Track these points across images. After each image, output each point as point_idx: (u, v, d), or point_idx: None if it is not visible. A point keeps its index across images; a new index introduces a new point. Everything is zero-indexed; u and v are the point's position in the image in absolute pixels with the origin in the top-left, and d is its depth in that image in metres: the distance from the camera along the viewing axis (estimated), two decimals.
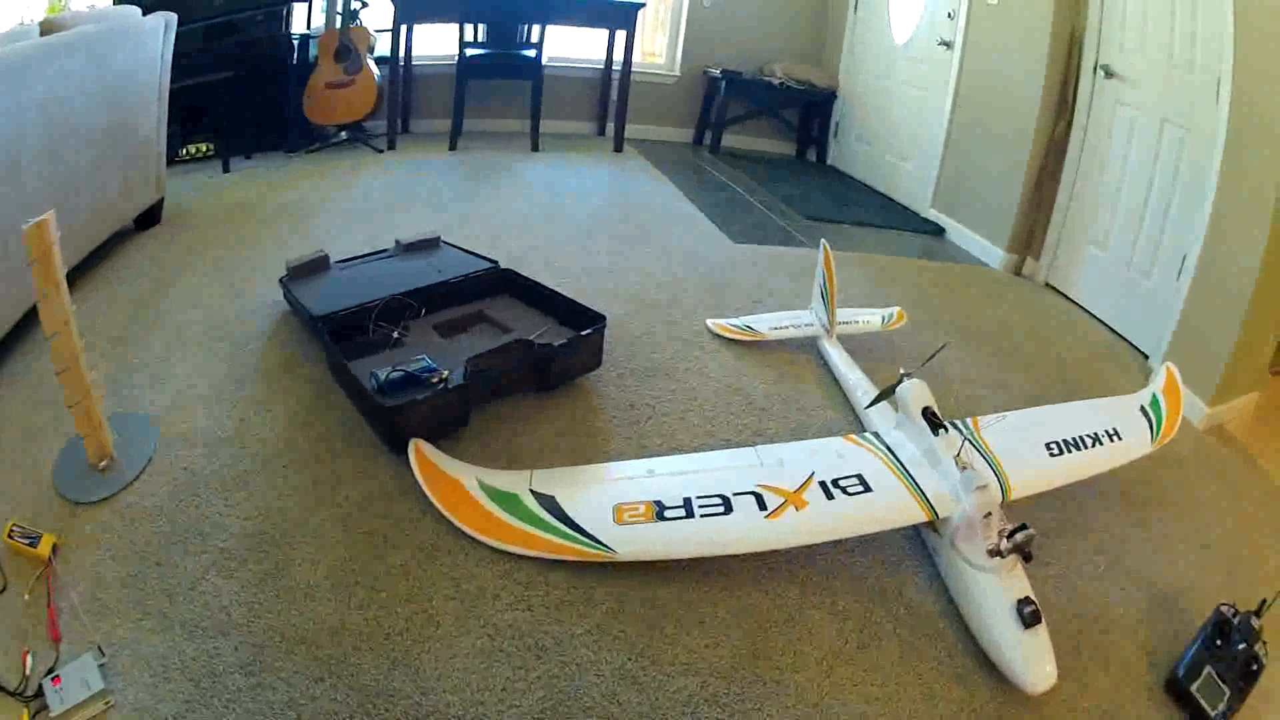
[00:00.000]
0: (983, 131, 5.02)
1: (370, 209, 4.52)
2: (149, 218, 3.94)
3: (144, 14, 3.69)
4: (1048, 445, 2.58)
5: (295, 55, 5.52)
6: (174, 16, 3.87)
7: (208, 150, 5.17)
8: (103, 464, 2.22)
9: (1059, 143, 4.46)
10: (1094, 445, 2.62)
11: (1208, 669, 2.07)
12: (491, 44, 5.92)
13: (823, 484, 2.32)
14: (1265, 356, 3.50)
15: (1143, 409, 2.86)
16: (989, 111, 4.95)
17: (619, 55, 6.30)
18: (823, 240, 3.44)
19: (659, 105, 6.93)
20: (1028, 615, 1.98)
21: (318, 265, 3.31)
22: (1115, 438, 2.68)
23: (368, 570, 2.04)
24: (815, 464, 2.42)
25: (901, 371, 2.68)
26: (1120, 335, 4.06)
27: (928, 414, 2.51)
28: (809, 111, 6.93)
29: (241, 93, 5.19)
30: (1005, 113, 4.76)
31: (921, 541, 2.43)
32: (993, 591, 2.08)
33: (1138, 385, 3.11)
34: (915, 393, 2.59)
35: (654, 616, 2.02)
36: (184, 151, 5.07)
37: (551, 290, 3.18)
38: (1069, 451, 2.58)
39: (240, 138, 5.32)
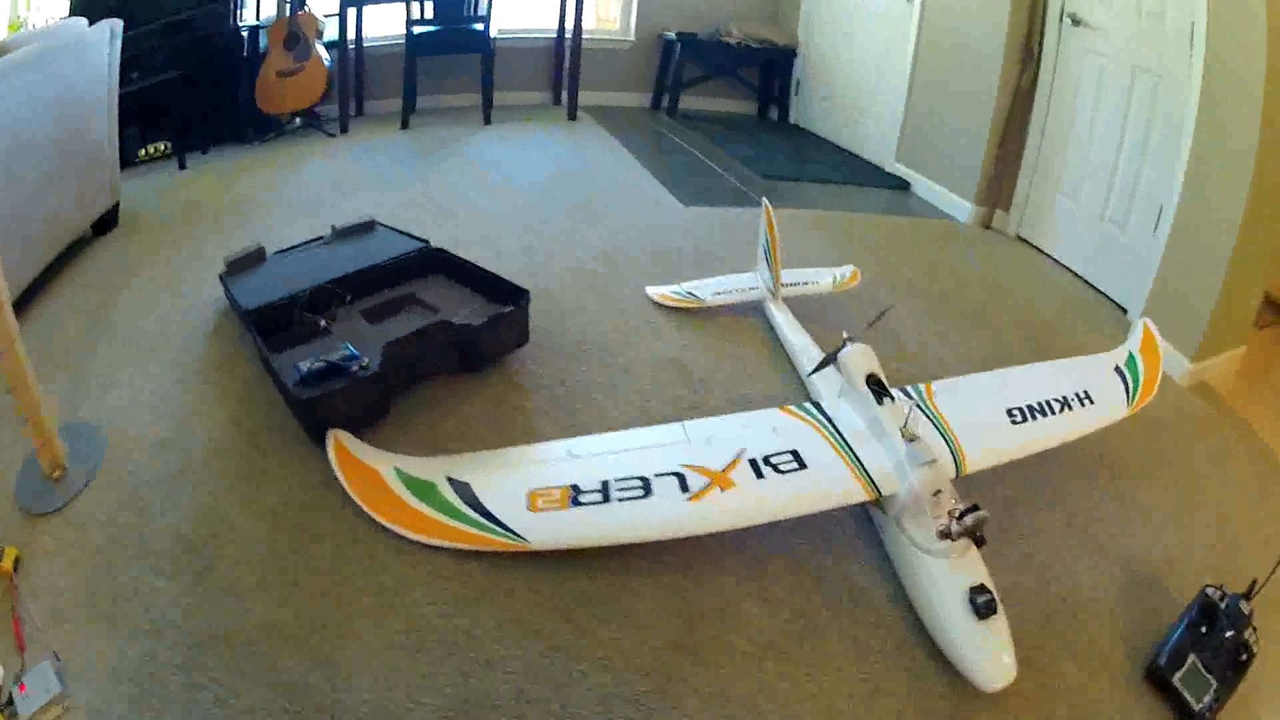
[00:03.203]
0: (946, 83, 4.87)
1: (318, 196, 4.41)
2: (106, 223, 3.89)
3: (90, 24, 3.63)
4: (1009, 412, 2.37)
5: (246, 47, 5.38)
6: (119, 23, 3.80)
7: (166, 150, 5.04)
8: (55, 475, 2.22)
9: (1025, 92, 4.30)
10: (1062, 410, 2.41)
11: (1192, 658, 1.89)
12: (439, 19, 5.72)
13: (753, 461, 2.12)
14: (1249, 310, 3.35)
15: (1118, 369, 2.65)
16: (952, 62, 4.79)
17: (572, 23, 6.12)
18: (764, 198, 3.24)
19: (615, 71, 6.73)
20: (981, 605, 1.79)
21: (254, 258, 3.23)
22: (1086, 401, 2.46)
23: (291, 566, 2.00)
24: (746, 440, 2.21)
25: (845, 335, 2.47)
26: (1096, 289, 3.91)
27: (872, 381, 2.30)
28: (769, 70, 6.74)
29: (195, 89, 5.08)
30: (968, 63, 4.59)
31: (870, 520, 2.22)
32: (943, 578, 1.89)
33: (1115, 342, 2.90)
34: (858, 358, 2.38)
35: (570, 608, 1.93)
36: (142, 153, 4.94)
37: (479, 268, 3.06)
38: (1033, 418, 2.36)
39: (196, 134, 5.21)
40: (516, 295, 2.83)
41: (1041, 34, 4.17)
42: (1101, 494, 2.50)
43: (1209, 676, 1.85)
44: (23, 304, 2.97)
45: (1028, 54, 4.28)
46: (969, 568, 1.88)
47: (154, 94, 4.77)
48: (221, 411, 2.55)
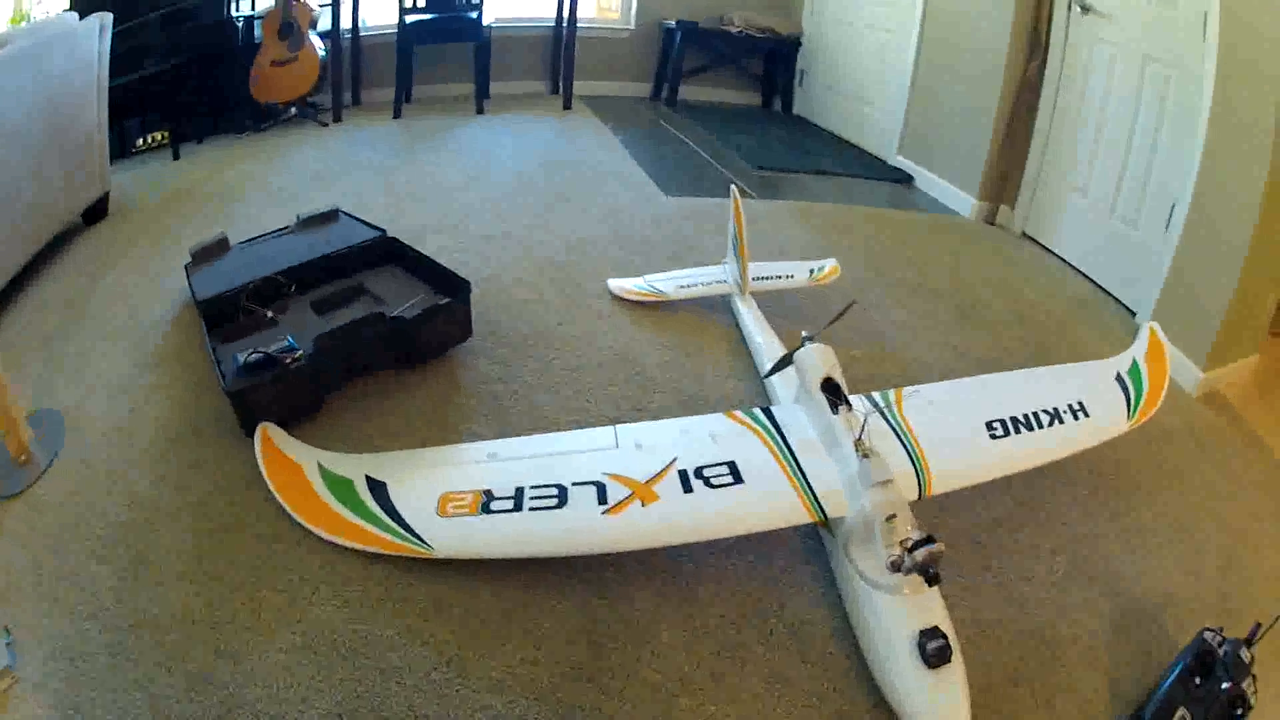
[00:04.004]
0: (950, 73, 4.71)
1: (302, 185, 4.36)
2: (95, 212, 3.93)
3: (82, 17, 3.69)
4: (989, 424, 2.14)
5: (240, 37, 5.43)
6: (110, 17, 3.86)
7: (164, 138, 5.12)
8: (22, 459, 2.29)
9: (1032, 83, 4.13)
10: (1051, 424, 2.17)
11: (1182, 711, 1.69)
12: (432, 8, 5.69)
13: (682, 473, 1.94)
14: (1265, 315, 3.14)
15: (1119, 377, 2.42)
16: (956, 52, 4.64)
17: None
18: (732, 186, 3.09)
19: (615, 60, 6.64)
20: (931, 652, 1.57)
21: (218, 248, 3.20)
22: (1080, 414, 2.22)
23: (211, 557, 2.00)
24: (680, 448, 2.02)
25: (803, 334, 2.27)
26: (1104, 290, 3.71)
27: (829, 386, 2.08)
28: (772, 60, 6.62)
29: (191, 79, 5.16)
30: (972, 52, 4.45)
31: (820, 541, 2.02)
32: (890, 616, 1.67)
33: (1121, 346, 2.69)
34: (814, 360, 2.16)
35: (472, 622, 1.84)
36: (140, 142, 5.03)
37: (429, 258, 2.99)
38: (1016, 432, 2.13)
39: (192, 123, 5.28)
40: (459, 287, 2.74)
41: (1049, 22, 4.02)
42: (1095, 514, 2.29)
43: None
44: (9, 293, 3.06)
45: (1035, 43, 4.12)
46: (922, 607, 1.66)
47: (151, 84, 4.88)
48: (172, 401, 2.54)
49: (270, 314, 2.75)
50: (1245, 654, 1.71)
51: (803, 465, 1.93)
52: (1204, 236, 3.05)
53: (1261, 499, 2.51)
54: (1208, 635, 1.76)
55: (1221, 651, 1.72)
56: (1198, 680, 1.69)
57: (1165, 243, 3.23)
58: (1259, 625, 1.75)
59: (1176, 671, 1.73)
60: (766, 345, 2.65)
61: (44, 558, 1.99)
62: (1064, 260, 3.99)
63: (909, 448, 2.01)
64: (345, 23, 5.61)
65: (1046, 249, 4.11)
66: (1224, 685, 1.67)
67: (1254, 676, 1.70)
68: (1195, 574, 2.16)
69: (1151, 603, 2.04)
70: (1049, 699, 1.77)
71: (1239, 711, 1.66)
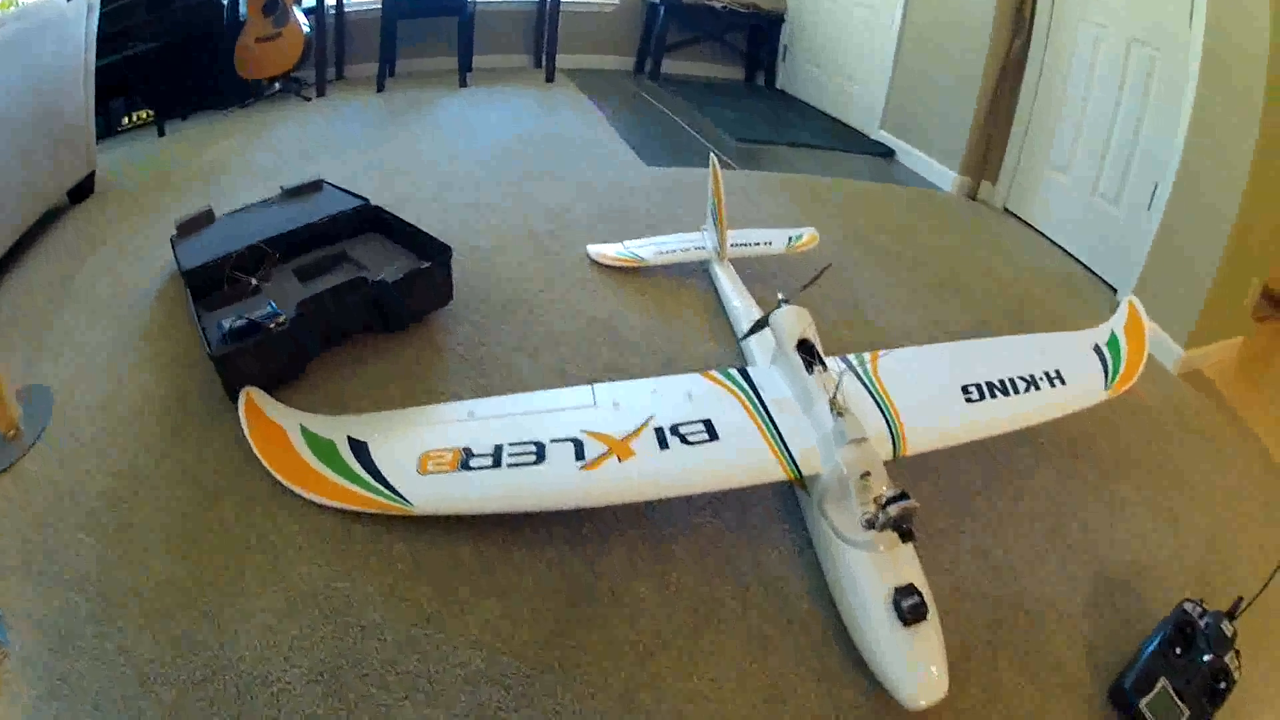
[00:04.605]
0: (933, 49, 4.70)
1: (285, 159, 4.33)
2: (82, 190, 3.90)
3: None
4: (965, 389, 2.13)
5: (226, 14, 5.38)
6: None
7: (149, 116, 5.07)
8: (10, 434, 2.29)
9: (1015, 60, 4.13)
10: (1028, 390, 2.16)
11: (1163, 682, 1.67)
12: None
13: (659, 430, 1.94)
14: (1249, 297, 3.13)
15: (1097, 348, 2.41)
16: (940, 28, 4.63)
17: None
18: (711, 154, 3.09)
19: (599, 34, 6.61)
20: (907, 609, 1.55)
21: (204, 220, 3.18)
22: (1057, 381, 2.21)
23: (195, 523, 2.00)
24: (656, 406, 2.01)
25: (780, 297, 2.27)
26: (1086, 266, 3.69)
27: (804, 347, 2.07)
28: (756, 35, 6.64)
29: (177, 57, 5.13)
30: (956, 29, 4.43)
31: (796, 499, 2.03)
32: (865, 574, 1.66)
33: (1101, 321, 2.66)
34: (790, 321, 2.15)
35: (451, 580, 1.86)
36: (126, 120, 4.97)
37: (411, 225, 2.99)
38: (993, 396, 2.12)
39: (177, 101, 5.23)
40: (440, 252, 2.74)
41: (1034, 1, 4.00)
42: (1075, 486, 2.28)
43: (1181, 705, 1.62)
44: None
45: (1019, 22, 4.10)
46: (898, 564, 1.65)
47: (139, 63, 4.85)
48: (157, 372, 2.53)
49: (254, 282, 2.76)
50: (1227, 627, 1.70)
51: (778, 424, 1.92)
52: (1187, 216, 3.04)
53: (1241, 477, 2.51)
54: (1188, 606, 1.74)
55: (1203, 623, 1.70)
56: (1178, 651, 1.68)
57: (1148, 221, 3.22)
58: (1241, 599, 1.73)
59: (1156, 641, 1.71)
60: (744, 309, 2.64)
61: (30, 532, 1.99)
62: (1046, 236, 3.98)
63: (884, 408, 2.00)
64: None
65: (1028, 225, 4.10)
66: (1205, 657, 1.66)
67: (1237, 651, 1.68)
68: (1175, 548, 2.15)
69: (1131, 575, 2.04)
70: (1027, 663, 1.77)
71: (1221, 684, 1.64)
